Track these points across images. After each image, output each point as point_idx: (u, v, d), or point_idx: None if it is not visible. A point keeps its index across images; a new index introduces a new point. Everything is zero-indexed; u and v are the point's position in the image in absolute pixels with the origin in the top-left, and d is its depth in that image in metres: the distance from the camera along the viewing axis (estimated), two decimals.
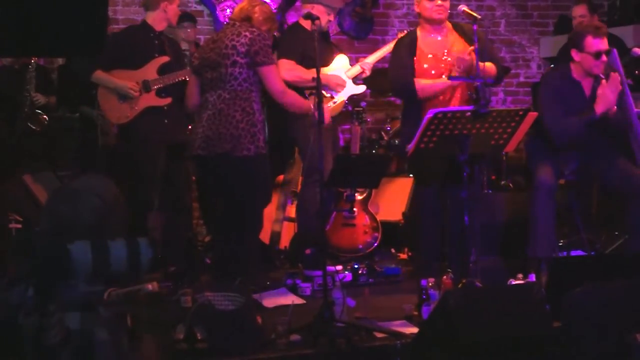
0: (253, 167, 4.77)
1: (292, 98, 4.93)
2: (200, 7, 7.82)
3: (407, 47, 5.30)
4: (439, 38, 5.32)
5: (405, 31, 5.88)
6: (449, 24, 5.38)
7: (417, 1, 5.31)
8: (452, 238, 5.30)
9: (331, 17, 5.95)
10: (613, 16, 7.88)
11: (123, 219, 2.65)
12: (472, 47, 4.87)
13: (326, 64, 5.89)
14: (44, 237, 2.32)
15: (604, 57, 5.26)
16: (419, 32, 5.35)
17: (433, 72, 5.21)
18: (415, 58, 5.25)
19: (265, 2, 5.17)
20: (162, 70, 5.60)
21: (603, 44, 5.26)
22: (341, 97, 5.96)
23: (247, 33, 4.70)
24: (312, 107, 4.85)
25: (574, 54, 5.32)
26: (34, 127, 6.47)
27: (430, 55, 5.27)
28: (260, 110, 4.79)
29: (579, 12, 6.79)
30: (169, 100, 5.59)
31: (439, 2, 5.20)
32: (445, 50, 5.26)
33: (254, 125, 4.72)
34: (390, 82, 5.48)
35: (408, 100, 5.38)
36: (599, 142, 5.41)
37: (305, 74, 5.54)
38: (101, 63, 5.56)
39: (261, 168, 4.84)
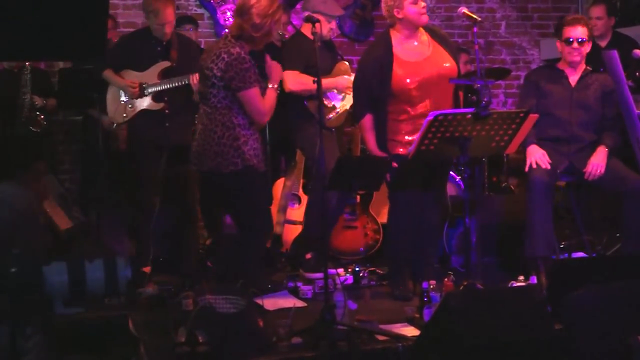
0: (243, 181, 4.70)
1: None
2: (200, 10, 7.83)
3: (383, 57, 5.08)
4: (416, 43, 5.15)
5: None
6: (423, 31, 5.20)
7: (397, 7, 5.02)
8: (418, 240, 5.29)
9: (332, 25, 5.95)
10: (615, 16, 7.85)
11: (37, 230, 2.60)
12: None
13: (330, 71, 5.90)
14: (17, 260, 2.27)
15: (576, 45, 5.39)
16: (393, 37, 5.13)
17: (408, 80, 5.00)
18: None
19: None
20: (165, 74, 5.64)
21: (575, 31, 5.39)
22: (344, 106, 5.95)
23: (224, 56, 4.56)
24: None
25: (558, 44, 5.51)
26: (33, 130, 6.47)
27: (406, 61, 5.08)
28: (244, 124, 4.67)
29: (596, 13, 6.63)
30: (162, 104, 5.63)
31: (423, 4, 5.06)
32: (416, 60, 5.08)
33: (236, 139, 4.63)
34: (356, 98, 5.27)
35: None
36: (587, 141, 5.43)
37: (310, 82, 5.50)
38: (111, 63, 5.67)
39: (251, 180, 4.74)
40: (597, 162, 5.29)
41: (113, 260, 2.29)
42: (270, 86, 4.76)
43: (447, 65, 5.09)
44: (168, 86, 5.60)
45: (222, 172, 4.65)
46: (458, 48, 5.37)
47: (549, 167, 5.28)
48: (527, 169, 5.34)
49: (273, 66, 4.85)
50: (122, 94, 5.70)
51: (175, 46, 5.72)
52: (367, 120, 5.12)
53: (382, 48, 5.12)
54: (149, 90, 5.62)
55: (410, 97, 5.03)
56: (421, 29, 5.18)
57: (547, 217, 5.25)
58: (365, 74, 5.13)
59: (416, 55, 5.11)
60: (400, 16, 5.04)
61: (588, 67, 5.51)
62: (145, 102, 5.66)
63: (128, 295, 4.76)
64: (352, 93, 5.32)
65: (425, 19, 5.09)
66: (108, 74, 5.69)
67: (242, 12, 4.67)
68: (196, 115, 5.20)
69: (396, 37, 5.12)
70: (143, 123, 5.67)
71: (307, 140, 5.69)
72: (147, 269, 5.58)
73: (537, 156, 5.32)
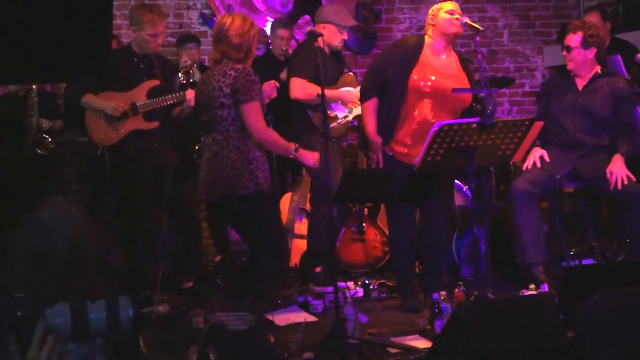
0: (254, 204, 4.67)
1: (272, 137, 4.74)
2: (204, 28, 7.86)
3: (411, 51, 5.22)
4: (444, 57, 5.27)
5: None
6: (455, 54, 5.36)
7: (434, 14, 5.21)
8: (426, 252, 5.32)
9: (344, 36, 5.95)
10: (617, 22, 7.87)
11: (96, 245, 2.60)
12: None
13: (336, 82, 5.91)
14: (18, 304, 2.26)
15: (564, 52, 5.52)
16: (426, 41, 5.26)
17: (422, 83, 5.12)
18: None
19: (235, 13, 5.07)
20: (152, 93, 5.58)
21: (568, 39, 5.51)
22: (346, 117, 5.96)
23: (231, 72, 4.59)
24: (292, 149, 4.78)
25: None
26: (41, 152, 6.48)
27: (431, 65, 5.20)
28: (256, 147, 4.68)
29: (592, 19, 6.60)
30: (156, 124, 5.60)
31: (457, 16, 5.15)
32: (440, 70, 5.19)
33: (250, 162, 4.63)
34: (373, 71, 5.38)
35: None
36: (591, 146, 5.44)
37: (316, 91, 5.51)
38: (91, 87, 5.54)
39: (263, 203, 4.74)
40: (616, 169, 5.27)
41: (115, 299, 2.28)
42: (294, 145, 4.78)
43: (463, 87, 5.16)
44: (160, 105, 5.54)
45: (236, 194, 4.61)
46: (463, 58, 5.42)
47: (538, 165, 5.41)
48: (524, 168, 5.47)
49: (306, 155, 4.87)
50: (105, 116, 5.54)
51: (157, 64, 5.69)
52: (371, 104, 5.23)
53: (414, 44, 5.26)
54: (142, 109, 5.55)
55: (420, 101, 5.11)
56: (453, 52, 5.32)
57: (531, 224, 5.31)
58: (387, 59, 5.30)
59: (440, 66, 5.22)
60: (433, 22, 5.22)
61: (598, 71, 5.52)
62: (135, 122, 5.57)
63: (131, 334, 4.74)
64: (365, 74, 5.43)
65: (454, 29, 5.18)
66: (89, 98, 5.54)
67: (219, 38, 4.71)
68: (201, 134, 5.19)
69: (428, 43, 5.24)
70: (137, 143, 5.58)
71: (307, 149, 5.68)
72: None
73: (536, 155, 5.44)
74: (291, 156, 4.77)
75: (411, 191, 4.93)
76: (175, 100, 5.51)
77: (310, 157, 4.83)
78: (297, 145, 4.75)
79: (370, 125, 5.21)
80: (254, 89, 4.58)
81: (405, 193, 4.91)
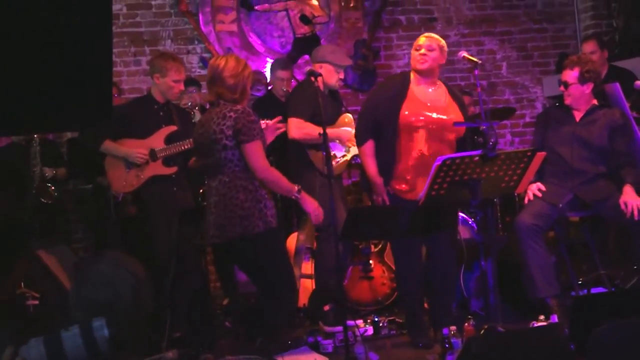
0: (265, 243, 4.62)
1: (275, 176, 4.69)
2: (204, 71, 7.90)
3: (398, 89, 5.24)
4: (431, 90, 5.27)
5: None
6: (443, 85, 5.36)
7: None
8: (434, 287, 5.30)
9: (341, 75, 6.00)
10: (613, 50, 7.91)
11: (149, 289, 2.62)
12: None
13: (334, 121, 5.93)
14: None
15: (562, 88, 5.57)
16: (412, 77, 5.29)
17: (413, 118, 5.13)
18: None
19: (228, 54, 5.06)
20: (170, 139, 5.64)
21: (565, 75, 5.55)
22: (345, 156, 5.99)
23: (231, 114, 4.57)
24: (295, 191, 4.75)
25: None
26: (44, 201, 6.49)
27: (419, 100, 5.21)
28: (261, 185, 4.64)
29: (589, 48, 6.69)
30: (175, 169, 5.63)
31: (423, 51, 5.16)
32: (429, 103, 5.20)
33: (258, 201, 4.59)
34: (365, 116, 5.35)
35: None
36: (591, 174, 5.45)
37: (314, 131, 5.54)
38: (109, 133, 5.60)
39: (273, 242, 4.70)
40: (630, 200, 5.26)
41: (89, 324, 2.27)
42: (297, 186, 4.73)
43: (456, 118, 5.16)
44: (178, 150, 5.59)
45: (247, 235, 4.56)
46: (461, 91, 5.44)
47: (539, 194, 5.43)
48: (525, 201, 5.51)
49: (307, 201, 4.78)
50: (126, 162, 5.62)
51: (174, 111, 5.76)
52: (368, 146, 5.21)
53: (400, 81, 5.27)
54: (160, 155, 5.61)
55: (414, 135, 5.11)
56: (441, 83, 5.33)
57: (539, 257, 5.31)
58: (376, 99, 5.28)
59: (429, 100, 5.22)
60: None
61: (595, 103, 5.55)
62: (155, 168, 5.63)
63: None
64: (357, 119, 5.40)
65: (418, 65, 5.20)
66: (108, 145, 5.62)
67: (214, 79, 4.69)
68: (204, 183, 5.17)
69: (414, 78, 5.26)
70: (154, 189, 5.63)
71: (305, 187, 5.67)
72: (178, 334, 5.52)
73: (533, 188, 5.47)
74: (294, 197, 4.75)
75: (417, 226, 4.92)
76: (192, 145, 5.52)
77: (310, 204, 4.75)
78: (299, 187, 4.73)
79: (371, 168, 5.20)
80: (254, 128, 4.57)
81: (411, 229, 4.91)
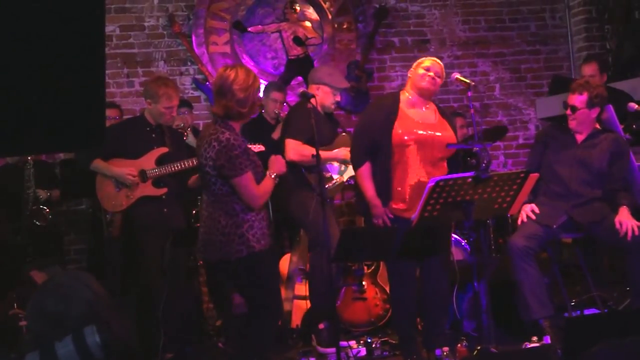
0: (245, 267, 4.55)
1: (265, 193, 4.60)
2: (197, 93, 7.93)
3: (389, 109, 5.20)
4: (423, 109, 5.25)
5: None
6: (432, 104, 5.34)
7: (413, 67, 5.23)
8: (427, 308, 5.28)
9: (337, 97, 6.02)
10: (607, 72, 7.94)
11: (110, 308, 2.63)
12: None
13: (331, 142, 5.94)
14: None
15: (569, 112, 5.56)
16: (401, 96, 5.27)
17: (406, 137, 5.09)
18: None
19: (236, 65, 4.98)
20: (161, 160, 5.64)
21: (572, 99, 5.55)
22: (341, 178, 5.99)
23: (215, 144, 4.44)
24: (271, 178, 4.70)
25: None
26: (38, 223, 6.48)
27: (410, 118, 5.18)
28: (246, 209, 4.53)
29: (589, 71, 6.69)
30: (164, 190, 5.64)
31: (431, 74, 5.14)
32: (420, 121, 5.18)
33: (239, 226, 4.49)
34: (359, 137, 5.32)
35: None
36: (588, 197, 5.47)
37: (310, 152, 5.53)
38: (100, 153, 5.60)
39: (258, 264, 4.59)
40: (625, 220, 5.29)
41: (80, 331, 2.29)
42: (268, 174, 4.65)
43: (448, 134, 5.16)
44: (169, 172, 5.59)
45: (228, 259, 4.51)
46: (454, 113, 5.44)
47: (533, 216, 5.43)
48: (518, 222, 5.52)
49: (274, 160, 4.73)
50: (116, 182, 5.63)
51: (167, 133, 5.77)
52: (365, 169, 5.17)
53: (390, 101, 5.24)
54: (150, 176, 5.62)
55: (407, 154, 5.09)
56: (432, 102, 5.31)
57: (532, 279, 5.32)
58: (369, 122, 5.24)
59: (420, 118, 5.20)
60: (410, 74, 5.24)
61: (598, 127, 5.58)
62: (144, 189, 5.63)
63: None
64: (352, 142, 5.36)
65: (424, 83, 5.15)
66: (99, 163, 5.62)
67: (223, 92, 4.53)
68: (198, 198, 5.18)
69: (404, 97, 5.23)
70: (143, 209, 5.62)
71: (300, 205, 5.69)
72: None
73: (527, 210, 5.48)
74: (276, 180, 4.66)
75: (411, 248, 4.92)
76: (182, 167, 5.53)
77: (278, 162, 4.70)
78: (269, 172, 4.65)
79: (369, 190, 5.14)
80: (240, 162, 4.44)
81: (405, 250, 4.90)
